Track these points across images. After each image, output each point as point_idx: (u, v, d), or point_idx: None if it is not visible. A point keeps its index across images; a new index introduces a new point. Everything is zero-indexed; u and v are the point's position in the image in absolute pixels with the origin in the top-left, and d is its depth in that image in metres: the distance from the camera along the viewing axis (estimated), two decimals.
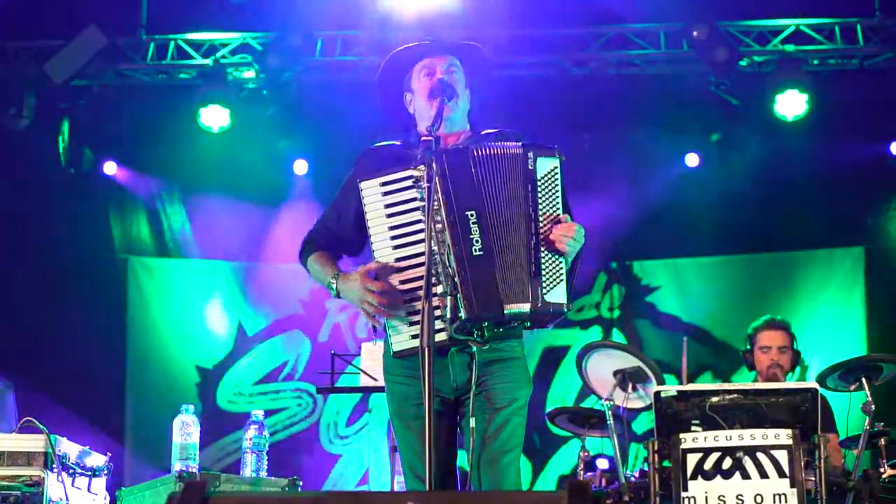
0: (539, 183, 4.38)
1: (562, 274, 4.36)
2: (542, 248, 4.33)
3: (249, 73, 10.17)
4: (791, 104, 9.64)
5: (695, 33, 9.58)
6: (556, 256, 4.35)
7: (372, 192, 4.46)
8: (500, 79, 9.17)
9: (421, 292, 4.12)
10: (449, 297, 4.26)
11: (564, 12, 9.68)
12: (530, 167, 4.38)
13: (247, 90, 10.27)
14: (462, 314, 4.26)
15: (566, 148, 4.50)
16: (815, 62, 9.84)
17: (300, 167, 10.60)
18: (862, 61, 9.84)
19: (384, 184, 4.45)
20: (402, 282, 4.40)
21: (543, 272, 4.32)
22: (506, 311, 4.28)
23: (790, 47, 9.71)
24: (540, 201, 4.37)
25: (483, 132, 4.73)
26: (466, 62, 4.78)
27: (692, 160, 10.34)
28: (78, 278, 10.24)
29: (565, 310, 4.36)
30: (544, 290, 4.31)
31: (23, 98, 9.87)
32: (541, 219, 4.36)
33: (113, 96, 10.31)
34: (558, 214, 4.40)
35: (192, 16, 10.11)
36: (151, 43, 10.09)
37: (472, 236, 4.30)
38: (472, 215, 4.32)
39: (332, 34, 10.06)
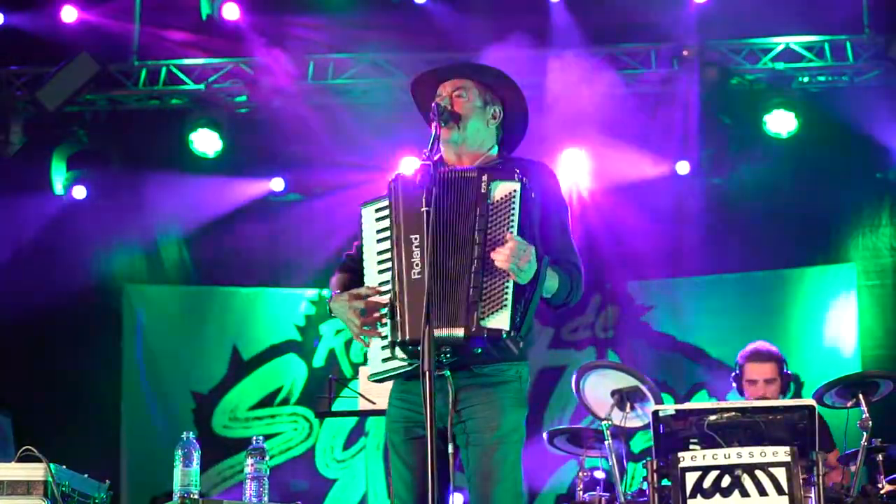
0: (491, 207, 4.28)
1: (506, 299, 4.22)
2: (486, 273, 4.23)
3: (241, 98, 10.19)
4: (781, 122, 9.67)
5: (685, 52, 9.63)
6: (501, 282, 4.21)
7: (368, 218, 4.47)
8: None
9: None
10: (389, 321, 4.30)
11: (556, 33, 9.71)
12: (483, 190, 4.29)
13: (239, 114, 10.28)
14: (398, 337, 4.27)
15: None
16: (806, 80, 9.90)
17: (293, 191, 10.59)
18: (852, 78, 9.90)
19: (378, 209, 4.45)
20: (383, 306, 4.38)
21: (484, 297, 4.21)
22: (436, 335, 4.17)
23: (780, 65, 9.77)
24: (490, 226, 4.26)
25: (496, 158, 4.66)
26: (486, 82, 4.67)
27: (683, 167, 10.14)
28: (73, 305, 10.20)
29: (504, 336, 4.22)
30: (482, 315, 4.20)
31: (14, 125, 9.88)
32: (489, 243, 4.25)
33: (105, 122, 10.32)
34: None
35: (183, 41, 10.13)
36: (143, 69, 10.12)
37: (413, 259, 4.28)
38: (415, 239, 4.29)
39: (324, 58, 10.09)
